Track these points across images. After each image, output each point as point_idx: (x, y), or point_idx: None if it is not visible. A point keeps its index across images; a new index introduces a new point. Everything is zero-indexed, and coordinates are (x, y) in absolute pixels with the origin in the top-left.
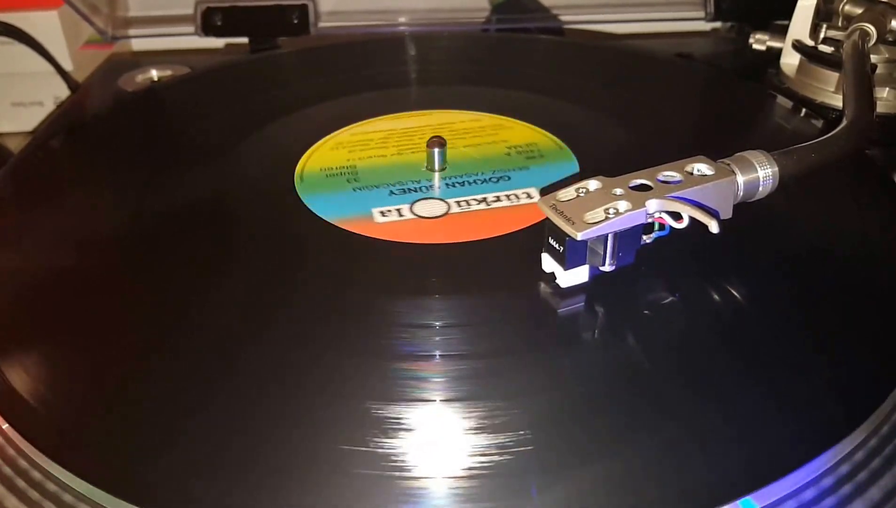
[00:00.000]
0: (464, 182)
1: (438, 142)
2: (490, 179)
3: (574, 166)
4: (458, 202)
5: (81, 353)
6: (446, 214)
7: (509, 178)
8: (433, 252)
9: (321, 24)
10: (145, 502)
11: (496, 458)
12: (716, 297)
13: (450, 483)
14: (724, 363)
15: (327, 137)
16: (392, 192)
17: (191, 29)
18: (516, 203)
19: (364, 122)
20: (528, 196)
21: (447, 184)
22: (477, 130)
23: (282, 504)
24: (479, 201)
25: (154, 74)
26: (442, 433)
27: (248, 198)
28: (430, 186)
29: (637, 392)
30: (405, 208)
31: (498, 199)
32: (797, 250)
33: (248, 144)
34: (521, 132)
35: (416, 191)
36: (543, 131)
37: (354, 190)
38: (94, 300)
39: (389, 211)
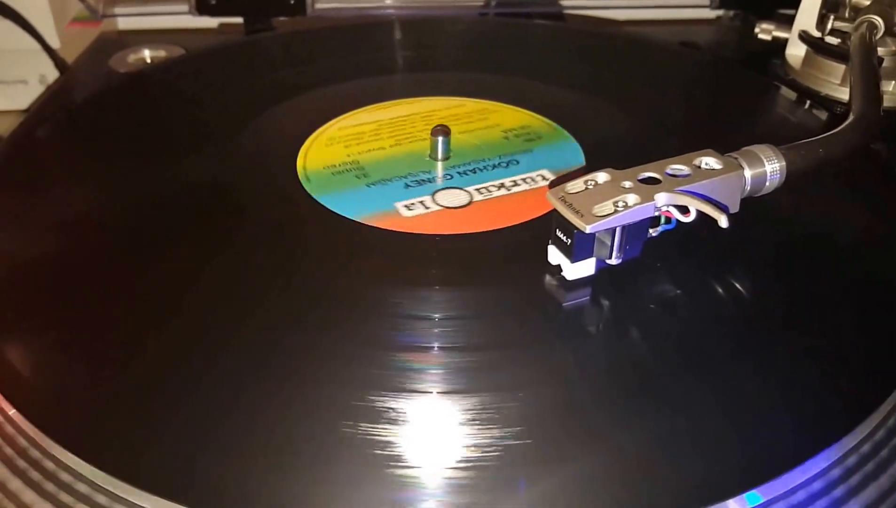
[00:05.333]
0: (474, 169)
1: (442, 130)
2: (499, 164)
3: (574, 146)
4: (478, 190)
5: (83, 339)
6: (471, 202)
7: (518, 162)
8: (469, 242)
9: (318, 6)
10: (141, 486)
11: (494, 451)
12: (720, 291)
13: (445, 474)
14: (727, 358)
15: (315, 133)
16: (407, 184)
17: (184, 8)
18: (535, 186)
19: (348, 114)
20: (544, 178)
21: (458, 173)
22: (464, 116)
23: (274, 493)
24: (499, 187)
25: (146, 54)
26: (439, 424)
27: (259, 201)
28: (442, 176)
29: (641, 386)
30: (428, 199)
31: (516, 183)
32: (801, 246)
33: (238, 139)
34: (510, 116)
35: (430, 182)
36: (532, 113)
37: (368, 186)
38: (95, 285)
39: (413, 204)
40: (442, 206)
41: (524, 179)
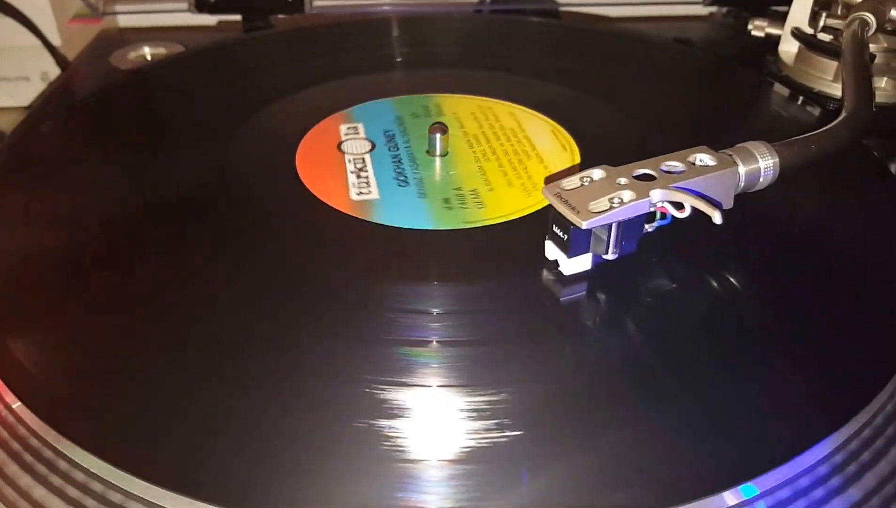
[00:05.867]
0: (406, 164)
1: (440, 129)
2: (406, 176)
3: (448, 232)
4: (362, 157)
5: (84, 337)
6: (346, 156)
7: (407, 182)
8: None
9: (316, 3)
10: (151, 480)
11: (492, 444)
12: (716, 286)
13: (444, 467)
14: (724, 351)
15: (483, 98)
16: (386, 130)
17: (183, 5)
18: (355, 190)
19: (540, 115)
20: (370, 195)
21: (401, 155)
22: (528, 167)
23: (282, 486)
24: (360, 172)
25: (147, 51)
26: (439, 418)
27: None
28: (397, 153)
29: (637, 380)
30: (358, 129)
31: (364, 180)
32: (796, 241)
33: (239, 134)
34: (513, 194)
35: (386, 141)
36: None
37: (391, 113)
38: (100, 280)
39: (351, 128)
40: (340, 143)
41: (372, 188)
